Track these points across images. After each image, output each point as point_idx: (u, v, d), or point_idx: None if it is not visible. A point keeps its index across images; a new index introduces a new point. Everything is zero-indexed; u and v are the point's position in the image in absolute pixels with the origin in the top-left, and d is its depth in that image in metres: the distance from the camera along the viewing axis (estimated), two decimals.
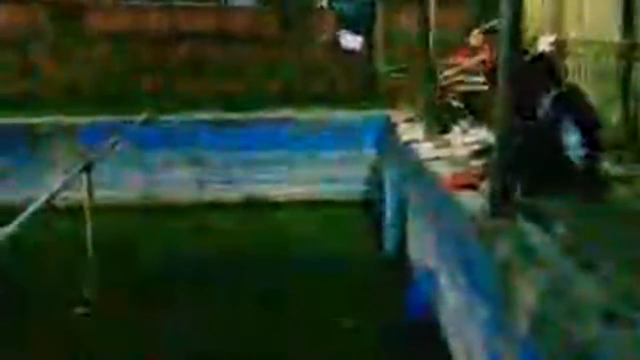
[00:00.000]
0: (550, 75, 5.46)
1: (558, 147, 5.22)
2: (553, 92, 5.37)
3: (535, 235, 4.38)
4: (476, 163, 6.29)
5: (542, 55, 6.01)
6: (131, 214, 9.25)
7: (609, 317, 3.20)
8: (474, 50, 8.36)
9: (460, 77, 8.31)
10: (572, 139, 5.20)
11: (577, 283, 3.64)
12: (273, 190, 9.95)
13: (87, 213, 6.72)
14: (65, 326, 6.32)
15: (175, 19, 11.32)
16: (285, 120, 10.11)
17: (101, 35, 11.17)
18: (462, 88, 8.39)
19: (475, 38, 8.39)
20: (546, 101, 5.35)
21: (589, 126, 5.27)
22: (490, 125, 6.34)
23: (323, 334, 6.30)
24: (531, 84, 5.40)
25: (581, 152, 5.20)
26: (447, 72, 8.44)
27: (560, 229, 4.39)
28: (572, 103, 5.33)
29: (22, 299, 6.79)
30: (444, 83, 8.41)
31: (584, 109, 5.37)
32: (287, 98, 10.79)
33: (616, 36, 6.89)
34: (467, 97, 8.32)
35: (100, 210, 7.06)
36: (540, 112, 5.38)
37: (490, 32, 8.21)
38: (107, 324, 6.35)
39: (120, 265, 7.58)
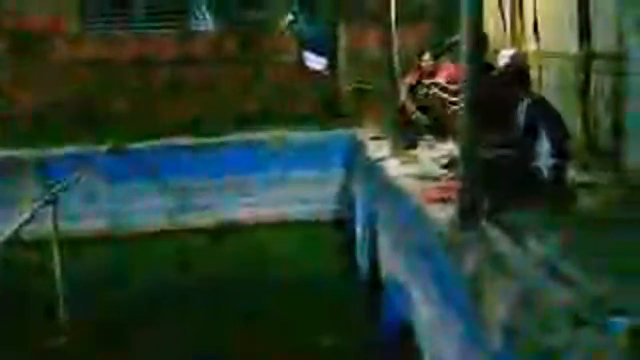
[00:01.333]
0: (521, 85, 5.54)
1: (528, 158, 5.30)
2: (526, 102, 5.45)
3: (504, 246, 4.41)
4: (444, 177, 6.35)
5: (509, 67, 6.11)
6: (100, 246, 9.10)
7: (580, 324, 3.22)
8: (429, 72, 8.51)
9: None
10: (543, 148, 5.28)
11: (548, 292, 3.66)
12: (244, 213, 9.89)
13: (55, 246, 6.64)
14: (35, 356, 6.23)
15: (142, 46, 11.29)
16: (252, 143, 10.09)
17: (67, 64, 11.09)
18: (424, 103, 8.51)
19: (425, 62, 8.57)
20: (520, 111, 5.43)
21: (559, 136, 5.36)
22: (454, 139, 6.40)
23: (302, 353, 6.30)
24: (502, 95, 5.49)
25: (551, 161, 5.28)
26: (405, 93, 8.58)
27: (529, 239, 4.42)
28: (543, 112, 5.42)
29: None
30: (406, 101, 8.55)
31: (554, 119, 5.46)
32: (252, 120, 10.79)
33: (573, 47, 7.02)
34: (432, 112, 8.44)
35: (69, 243, 6.97)
36: (514, 122, 5.46)
37: (441, 54, 8.39)
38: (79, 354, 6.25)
39: (91, 296, 7.46)
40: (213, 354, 6.33)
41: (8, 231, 5.51)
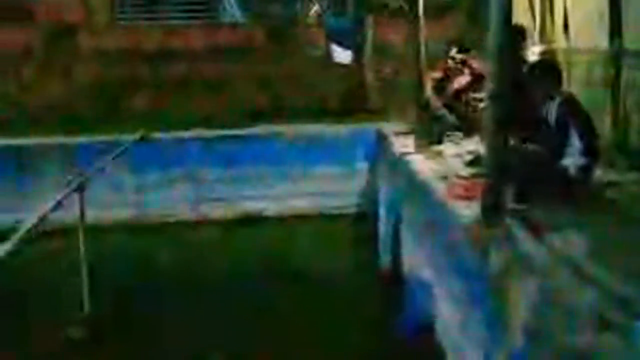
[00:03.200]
0: (552, 82, 5.47)
1: (557, 156, 5.24)
2: (557, 100, 5.38)
3: (529, 244, 4.37)
4: (469, 173, 6.30)
5: (539, 63, 6.02)
6: (125, 234, 9.18)
7: (604, 326, 3.19)
8: (456, 68, 8.43)
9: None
10: (573, 147, 5.22)
11: (572, 292, 3.63)
12: (266, 205, 9.93)
13: (81, 234, 6.68)
14: (58, 349, 6.25)
15: (169, 37, 11.35)
16: (277, 135, 10.09)
17: (95, 54, 11.19)
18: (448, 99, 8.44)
19: (453, 57, 8.47)
20: (550, 108, 5.37)
21: (590, 136, 5.30)
22: (480, 136, 6.35)
23: (321, 347, 6.27)
24: (531, 92, 5.42)
25: (580, 160, 5.23)
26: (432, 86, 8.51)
27: (555, 238, 4.39)
28: (574, 111, 5.35)
29: (14, 322, 6.72)
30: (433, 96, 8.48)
31: (585, 118, 5.39)
32: (278, 113, 10.79)
33: (603, 44, 6.92)
34: (458, 108, 8.37)
35: (94, 231, 7.01)
36: (543, 120, 5.39)
37: (470, 49, 8.31)
38: (103, 347, 6.29)
39: (116, 285, 7.52)
40: (233, 346, 6.31)
41: (35, 219, 5.52)
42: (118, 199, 9.58)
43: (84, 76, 11.21)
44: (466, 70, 8.27)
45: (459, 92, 8.29)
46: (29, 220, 5.45)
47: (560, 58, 7.56)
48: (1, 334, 6.39)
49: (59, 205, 6.12)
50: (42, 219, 5.63)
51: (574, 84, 7.27)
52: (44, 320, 6.79)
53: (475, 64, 8.07)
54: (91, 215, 6.90)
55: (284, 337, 6.49)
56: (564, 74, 7.16)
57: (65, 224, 7.03)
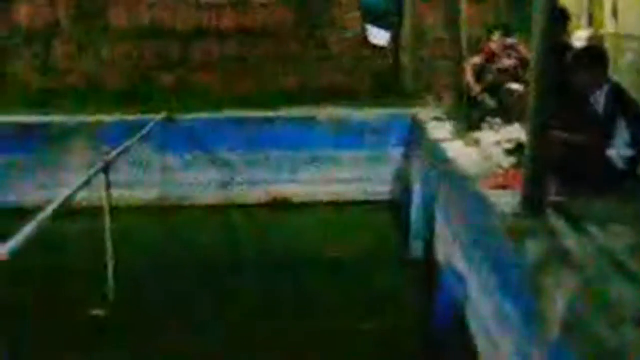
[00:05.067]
0: (599, 70, 5.24)
1: (603, 147, 5.04)
2: (605, 88, 5.17)
3: (569, 237, 4.25)
4: (509, 163, 6.12)
5: (586, 49, 5.79)
6: (151, 215, 9.14)
7: None
8: (498, 52, 8.17)
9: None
10: (620, 138, 5.01)
11: (612, 288, 3.53)
12: (296, 190, 9.78)
13: (107, 214, 6.64)
14: (82, 328, 6.22)
15: (199, 14, 11.23)
16: (307, 119, 9.94)
17: (124, 32, 11.13)
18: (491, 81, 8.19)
19: (495, 44, 8.21)
20: (598, 97, 5.15)
21: (638, 125, 5.08)
22: (522, 122, 6.15)
23: (353, 336, 6.17)
24: (577, 80, 5.21)
25: (627, 152, 5.02)
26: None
27: (596, 231, 4.26)
28: (623, 101, 5.13)
29: (39, 300, 6.72)
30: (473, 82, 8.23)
31: (635, 109, 5.17)
32: (309, 95, 10.63)
33: None
34: (498, 94, 8.13)
35: (120, 211, 6.99)
36: (589, 109, 5.19)
37: (513, 33, 8.06)
38: (126, 326, 6.24)
39: (141, 266, 7.50)
40: (258, 335, 6.21)
41: (61, 198, 5.49)
42: (144, 179, 9.51)
43: (112, 54, 11.15)
44: (513, 55, 7.99)
45: (501, 78, 8.03)
46: (55, 199, 5.44)
47: (609, 44, 7.27)
48: (26, 311, 6.39)
49: (84, 184, 6.10)
50: (68, 198, 5.62)
51: (622, 71, 7.02)
52: (69, 299, 6.77)
53: (522, 48, 7.80)
54: (116, 195, 6.86)
55: (312, 324, 6.37)
56: (612, 61, 6.94)
57: (90, 204, 6.99)
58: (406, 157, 9.82)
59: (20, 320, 6.13)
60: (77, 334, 6.08)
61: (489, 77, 8.24)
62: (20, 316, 6.24)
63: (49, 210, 5.12)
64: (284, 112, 10.06)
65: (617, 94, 5.17)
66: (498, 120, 7.93)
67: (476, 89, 8.24)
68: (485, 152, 6.86)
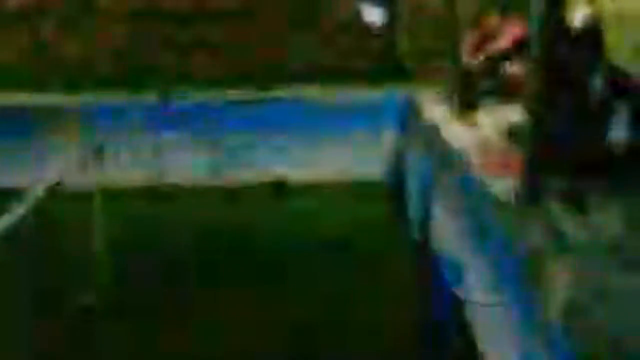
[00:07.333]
0: (597, 50, 5.19)
1: (603, 129, 4.99)
2: (603, 68, 5.12)
3: (569, 224, 4.28)
4: (507, 146, 6.06)
5: (584, 29, 5.71)
6: (144, 198, 9.06)
7: None
8: (494, 31, 8.07)
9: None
10: (620, 120, 4.96)
11: (613, 276, 3.56)
12: (290, 172, 9.70)
13: (97, 197, 6.56)
14: (69, 317, 6.15)
15: None
16: (301, 99, 9.84)
17: (116, 13, 10.98)
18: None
19: (491, 20, 8.10)
20: (596, 78, 5.10)
21: (639, 108, 5.02)
22: (521, 104, 6.07)
23: (345, 324, 6.12)
24: (575, 60, 5.15)
25: (627, 134, 4.96)
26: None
27: (597, 218, 4.31)
28: (623, 81, 5.08)
29: (27, 285, 6.62)
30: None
31: (634, 89, 5.11)
32: (303, 75, 10.51)
33: None
34: (496, 75, 8.04)
35: (111, 194, 6.89)
36: (588, 90, 5.13)
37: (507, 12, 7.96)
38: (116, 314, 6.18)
39: (134, 250, 7.39)
40: (252, 321, 6.15)
41: (51, 180, 5.42)
42: (136, 161, 9.41)
43: (106, 35, 11.00)
44: (510, 34, 7.90)
45: (497, 57, 7.94)
46: (45, 181, 5.36)
47: (607, 23, 7.18)
48: (14, 298, 6.30)
49: (76, 166, 6.03)
50: (58, 181, 5.55)
51: (622, 51, 6.93)
52: (57, 286, 6.65)
53: (516, 27, 7.71)
54: (108, 177, 6.76)
55: (306, 311, 6.32)
56: (612, 40, 6.86)
57: (81, 186, 6.88)
58: (402, 139, 9.73)
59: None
60: (63, 323, 5.99)
61: (486, 57, 8.15)
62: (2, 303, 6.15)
63: (39, 192, 5.09)
64: (278, 93, 9.95)
65: (616, 74, 5.12)
66: (495, 102, 7.87)
67: (474, 69, 8.15)
68: (483, 134, 6.81)
